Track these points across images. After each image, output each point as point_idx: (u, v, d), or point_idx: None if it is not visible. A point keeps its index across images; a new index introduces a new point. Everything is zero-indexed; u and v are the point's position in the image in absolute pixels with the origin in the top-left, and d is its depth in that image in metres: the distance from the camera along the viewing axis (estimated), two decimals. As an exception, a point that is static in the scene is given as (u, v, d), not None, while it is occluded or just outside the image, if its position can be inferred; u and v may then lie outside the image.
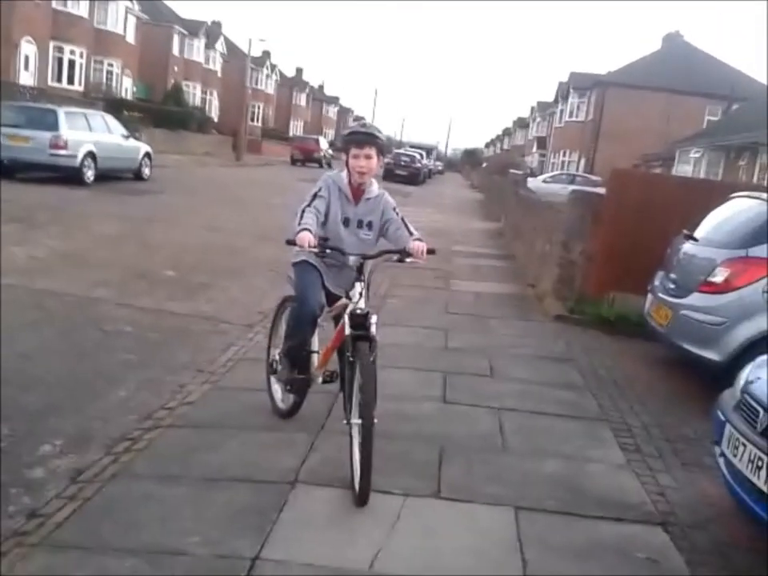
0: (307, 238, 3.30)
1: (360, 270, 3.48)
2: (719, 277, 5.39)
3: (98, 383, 4.51)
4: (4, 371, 4.46)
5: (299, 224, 3.43)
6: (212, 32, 53.05)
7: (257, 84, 59.66)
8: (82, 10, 35.11)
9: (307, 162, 40.76)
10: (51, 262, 7.77)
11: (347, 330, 3.39)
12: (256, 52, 49.22)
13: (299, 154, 41.54)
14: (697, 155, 27.70)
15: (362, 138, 3.60)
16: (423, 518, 3.20)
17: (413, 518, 3.18)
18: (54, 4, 33.03)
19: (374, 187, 3.76)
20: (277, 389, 4.16)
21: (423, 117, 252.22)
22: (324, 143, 43.80)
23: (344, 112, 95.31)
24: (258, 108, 60.99)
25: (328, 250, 3.46)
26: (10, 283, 6.58)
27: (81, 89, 35.03)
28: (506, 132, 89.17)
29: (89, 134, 15.88)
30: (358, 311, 3.41)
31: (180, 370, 4.91)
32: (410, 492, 3.39)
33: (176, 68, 47.42)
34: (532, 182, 24.29)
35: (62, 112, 15.54)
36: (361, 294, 3.43)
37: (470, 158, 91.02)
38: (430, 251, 3.47)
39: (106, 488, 3.20)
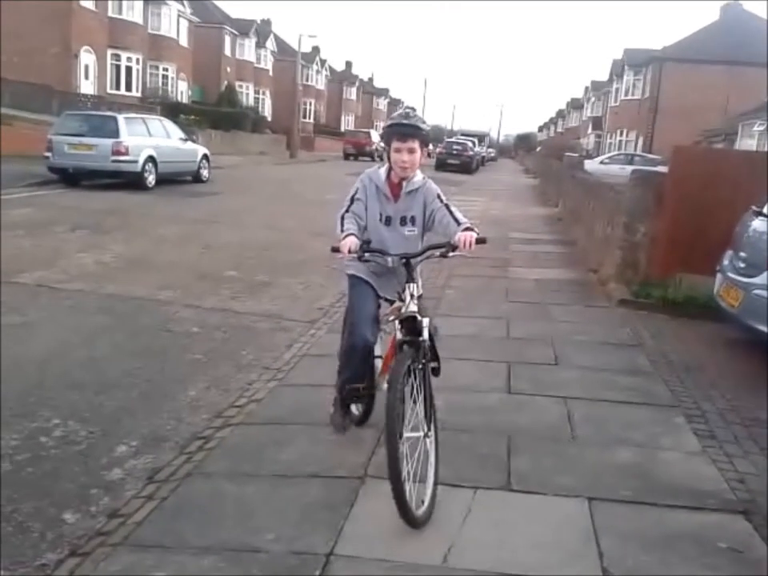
0: (348, 244, 3.14)
1: (409, 270, 3.24)
2: (793, 254, 5.17)
3: (169, 384, 4.62)
4: (77, 376, 4.63)
5: (342, 230, 3.27)
6: (262, 31, 53.66)
7: (307, 80, 60.09)
8: (136, 16, 36.05)
9: (360, 155, 40.91)
10: (118, 266, 8.00)
11: (398, 335, 3.26)
12: (305, 48, 49.56)
13: (351, 149, 41.73)
14: (761, 128, 26.67)
15: (404, 130, 3.30)
16: (494, 510, 3.18)
17: (484, 511, 3.16)
18: (109, 12, 33.94)
19: (416, 178, 3.46)
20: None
21: (474, 104, 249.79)
22: (376, 136, 43.83)
23: (394, 103, 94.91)
24: (310, 104, 61.44)
25: (368, 254, 3.23)
26: (79, 288, 6.81)
27: (138, 94, 35.98)
28: (560, 114, 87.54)
29: (148, 139, 16.27)
30: (408, 315, 3.21)
31: (247, 368, 4.99)
32: (480, 485, 3.37)
33: (228, 69, 48.17)
34: (589, 164, 23.81)
35: (121, 119, 15.96)
36: (413, 296, 3.21)
37: (524, 142, 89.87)
38: (480, 241, 3.14)
39: (182, 487, 3.28)
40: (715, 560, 2.90)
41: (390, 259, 3.27)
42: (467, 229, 3.19)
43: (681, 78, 37.43)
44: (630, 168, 14.04)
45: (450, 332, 5.90)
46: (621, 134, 45.08)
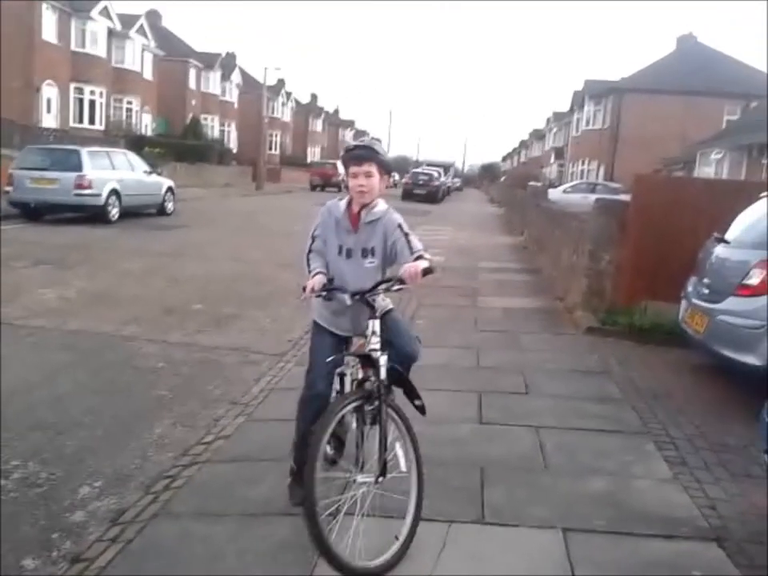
0: (312, 283, 3.13)
1: (369, 305, 3.15)
2: (755, 279, 5.27)
3: (134, 421, 4.50)
4: (39, 414, 4.49)
5: (309, 270, 3.25)
6: (227, 64, 53.84)
7: (273, 113, 60.35)
8: (100, 50, 35.91)
9: (326, 186, 41.05)
10: (81, 301, 7.84)
11: (355, 374, 3.23)
12: (271, 80, 49.90)
13: (318, 180, 41.88)
14: (718, 156, 27.37)
15: (359, 153, 3.23)
16: (469, 544, 3.14)
17: (459, 544, 3.12)
18: (72, 45, 33.80)
19: (378, 208, 3.31)
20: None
21: (439, 135, 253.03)
22: (342, 167, 44.02)
23: (360, 134, 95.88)
24: (276, 136, 61.63)
25: (324, 293, 3.17)
26: (41, 325, 6.65)
27: (102, 128, 35.71)
28: (523, 144, 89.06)
29: (112, 173, 16.15)
30: (364, 353, 3.13)
31: (214, 403, 4.90)
32: (455, 518, 3.32)
33: (193, 102, 48.16)
34: (552, 193, 24.19)
35: (84, 152, 15.82)
36: (374, 333, 3.11)
37: (488, 172, 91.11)
38: (427, 271, 2.96)
39: (148, 528, 3.18)
40: (691, 588, 2.88)
41: (344, 296, 3.16)
42: (418, 258, 3.06)
43: (640, 108, 38.34)
44: (592, 196, 14.25)
45: (421, 362, 5.89)
46: (583, 164, 45.90)
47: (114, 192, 15.94)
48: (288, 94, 67.42)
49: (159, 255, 11.57)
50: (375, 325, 3.14)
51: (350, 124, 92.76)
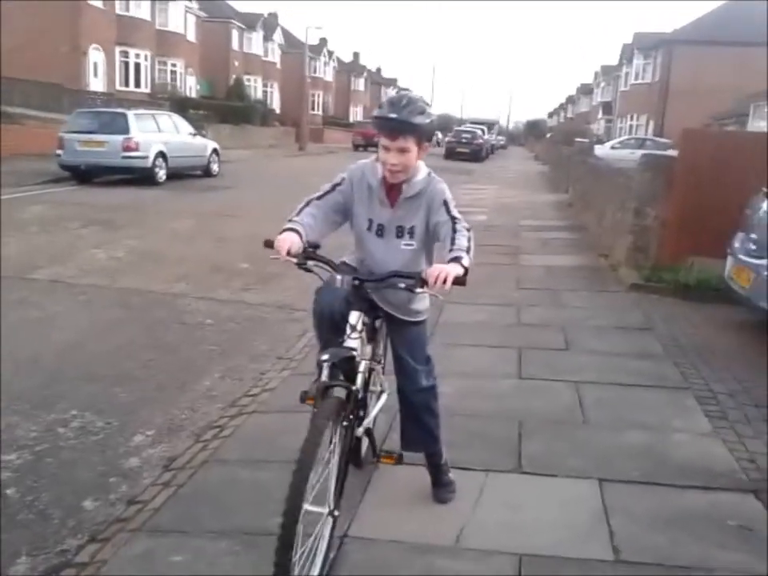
0: (287, 243, 2.48)
1: (359, 296, 2.61)
2: (804, 234, 5.15)
3: (184, 375, 4.68)
4: (94, 368, 4.70)
5: (289, 219, 2.64)
6: (269, 24, 53.59)
7: (315, 72, 60.05)
8: (144, 12, 36.08)
9: (369, 146, 40.81)
10: (131, 261, 8.08)
11: (323, 376, 2.44)
12: (313, 40, 49.49)
13: (361, 140, 41.59)
14: (774, 109, 26.40)
15: (392, 125, 2.53)
16: (506, 492, 3.22)
17: (496, 493, 3.20)
18: (117, 9, 34.04)
19: (419, 177, 2.71)
20: None
21: (483, 91, 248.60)
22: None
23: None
24: (318, 96, 61.40)
25: (310, 262, 2.55)
26: (93, 283, 6.89)
27: (147, 90, 36.05)
28: (570, 100, 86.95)
29: (158, 135, 16.37)
30: (345, 352, 2.53)
31: (260, 357, 5.06)
32: (492, 467, 3.41)
33: (236, 63, 48.17)
34: (599, 149, 23.70)
35: (131, 115, 16.05)
36: (353, 328, 2.56)
37: (533, 129, 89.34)
38: (458, 282, 2.36)
39: (198, 474, 3.34)
40: (725, 538, 2.92)
41: (339, 278, 2.55)
42: (454, 259, 2.44)
43: (691, 61, 37.08)
44: (640, 152, 13.96)
45: (460, 319, 5.96)
46: (631, 119, 44.75)
47: (161, 154, 16.17)
48: (330, 53, 66.88)
49: (206, 215, 11.77)
50: (358, 319, 2.58)
51: (392, 82, 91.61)
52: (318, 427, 2.28)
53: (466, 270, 2.41)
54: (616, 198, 9.03)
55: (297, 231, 2.55)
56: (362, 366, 2.61)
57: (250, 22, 49.84)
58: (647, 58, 42.99)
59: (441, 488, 3.12)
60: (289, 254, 2.48)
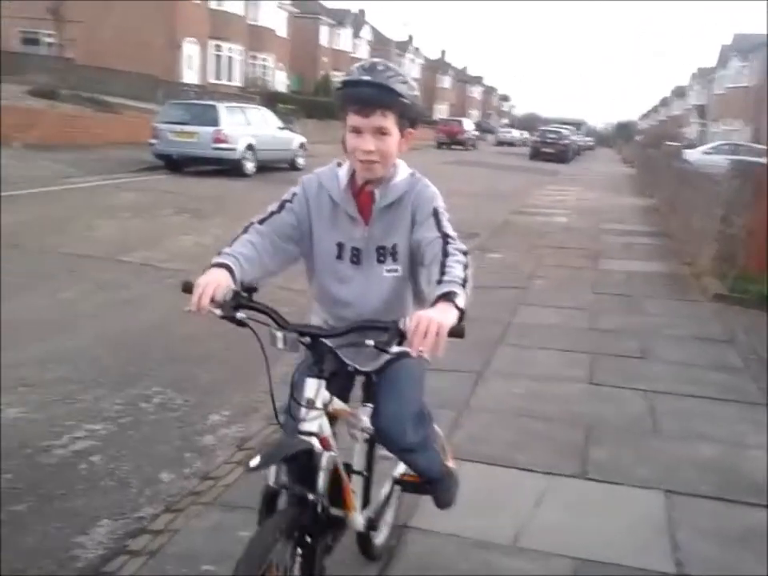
0: (210, 287, 1.80)
1: (317, 352, 1.90)
2: None
3: (261, 360, 4.83)
4: (177, 349, 4.93)
5: (219, 252, 1.98)
6: (357, 20, 54.17)
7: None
8: (237, 7, 37.07)
9: (453, 144, 40.71)
10: (217, 248, 8.31)
11: (270, 477, 1.82)
12: (401, 36, 49.81)
13: (444, 137, 41.52)
14: None
15: (363, 93, 1.85)
16: (568, 496, 3.22)
17: (557, 496, 3.21)
18: (211, 4, 35.12)
19: (399, 178, 2.03)
20: None
21: (572, 91, 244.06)
22: (468, 125, 43.52)
23: (488, 91, 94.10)
24: (404, 92, 61.61)
25: (240, 313, 1.84)
26: (180, 268, 7.18)
27: (239, 84, 37.07)
28: (663, 102, 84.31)
29: (247, 128, 16.83)
30: (304, 432, 1.84)
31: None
32: (554, 471, 3.40)
33: (325, 59, 48.91)
34: (691, 154, 22.89)
35: (222, 107, 16.58)
36: (310, 404, 1.87)
37: (623, 131, 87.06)
38: (455, 333, 1.63)
39: (268, 455, 3.47)
40: (794, 560, 2.84)
41: (279, 335, 1.85)
42: (444, 296, 1.69)
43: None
44: (734, 159, 13.44)
45: (534, 321, 5.94)
46: (726, 123, 43.02)
47: (250, 146, 16.63)
48: (416, 50, 67.01)
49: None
50: (312, 389, 1.87)
51: (478, 80, 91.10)
52: (252, 558, 1.61)
53: (462, 312, 1.68)
54: (702, 205, 8.76)
55: (227, 267, 1.88)
56: (325, 461, 1.86)
57: (339, 17, 50.56)
58: (745, 60, 41.24)
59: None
60: (212, 301, 1.78)
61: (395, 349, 1.70)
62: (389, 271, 2.05)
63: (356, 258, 2.05)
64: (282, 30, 42.50)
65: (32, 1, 25.52)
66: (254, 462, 1.66)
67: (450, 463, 2.52)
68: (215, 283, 1.81)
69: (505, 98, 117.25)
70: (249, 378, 4.49)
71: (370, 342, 1.72)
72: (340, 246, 2.06)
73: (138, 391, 4.19)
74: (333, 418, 2.01)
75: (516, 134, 59.53)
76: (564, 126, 40.89)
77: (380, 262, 2.04)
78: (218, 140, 15.84)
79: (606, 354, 5.19)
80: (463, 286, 1.74)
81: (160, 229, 9.25)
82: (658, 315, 6.43)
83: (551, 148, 35.99)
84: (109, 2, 29.80)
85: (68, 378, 4.29)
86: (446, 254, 1.83)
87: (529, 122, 75.99)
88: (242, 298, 1.85)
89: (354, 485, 2.24)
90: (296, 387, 1.93)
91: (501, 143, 53.65)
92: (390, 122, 1.89)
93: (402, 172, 2.05)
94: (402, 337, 1.67)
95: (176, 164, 16.33)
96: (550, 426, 3.90)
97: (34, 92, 21.58)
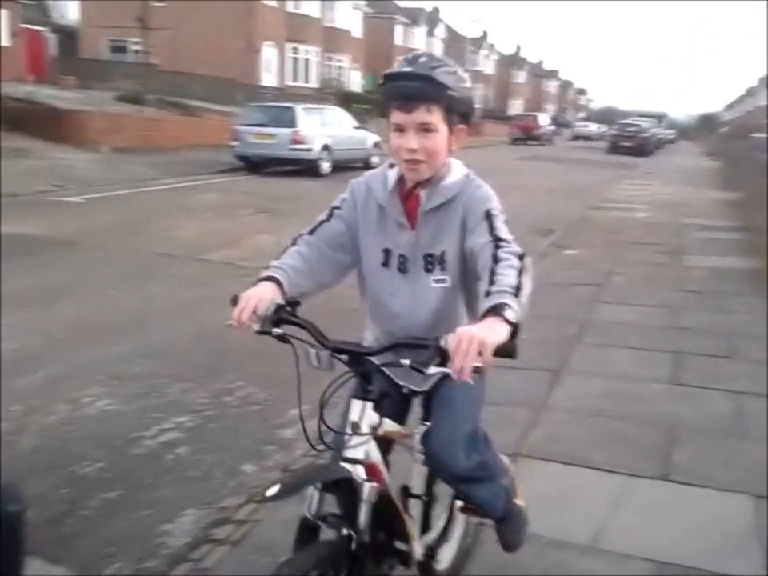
0: (253, 301, 1.78)
1: (362, 371, 1.78)
2: None
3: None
4: (258, 346, 5.04)
5: (268, 265, 1.93)
6: (431, 18, 54.09)
7: (475, 66, 59.85)
8: (313, 10, 37.61)
9: (527, 140, 40.16)
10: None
11: (312, 505, 1.71)
12: (475, 32, 49.51)
13: (519, 133, 41.00)
14: None
15: (406, 89, 1.73)
16: (649, 498, 3.15)
17: (638, 497, 3.14)
18: (288, 6, 35.75)
19: (451, 178, 1.87)
20: None
21: (654, 82, 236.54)
22: (543, 120, 42.80)
23: (564, 86, 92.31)
24: (478, 90, 61.18)
25: (277, 329, 1.78)
26: (259, 266, 7.33)
27: (315, 85, 37.61)
28: (750, 92, 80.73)
29: (323, 128, 17.10)
30: (348, 459, 1.72)
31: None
32: (635, 472, 3.33)
33: (399, 58, 48.66)
34: (780, 146, 21.87)
35: (299, 109, 16.91)
36: (355, 428, 1.76)
37: (706, 123, 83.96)
38: (501, 353, 1.45)
39: (346, 450, 3.54)
40: None
41: (312, 352, 1.79)
42: (492, 310, 1.51)
43: None
44: (828, 150, 12.78)
45: (613, 319, 5.82)
46: (821, 113, 40.82)
47: (325, 146, 16.88)
48: (491, 46, 66.39)
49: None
50: (357, 412, 1.77)
51: (553, 74, 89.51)
52: None
53: (515, 327, 1.48)
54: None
55: (275, 280, 1.84)
56: (366, 492, 1.68)
57: (413, 16, 50.61)
58: (843, 45, 39.00)
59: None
60: (254, 314, 1.76)
61: (433, 369, 1.54)
62: (437, 282, 1.88)
63: (402, 266, 1.91)
64: (356, 31, 42.87)
65: (119, 10, 26.62)
66: (272, 491, 1.53)
67: (519, 501, 2.30)
68: (258, 296, 1.77)
69: (581, 92, 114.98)
70: (330, 374, 4.57)
71: (406, 362, 1.56)
72: (387, 252, 1.92)
73: (222, 385, 4.33)
74: (389, 442, 1.90)
75: (593, 127, 58.24)
76: (644, 119, 39.72)
77: (427, 271, 1.89)
78: (295, 141, 16.15)
79: (690, 353, 5.04)
80: (516, 295, 1.54)
81: (239, 228, 9.50)
82: (744, 313, 6.18)
83: (630, 141, 35.00)
84: (189, 10, 30.74)
85: (154, 372, 4.48)
86: (496, 260, 1.64)
87: (607, 116, 74.21)
88: (285, 312, 1.78)
89: (413, 509, 2.13)
90: (343, 410, 1.80)
91: (577, 137, 52.62)
92: (435, 117, 1.73)
93: (456, 173, 1.89)
94: (443, 356, 1.50)
95: (255, 165, 16.74)
96: (630, 427, 3.82)
97: (121, 98, 22.54)
